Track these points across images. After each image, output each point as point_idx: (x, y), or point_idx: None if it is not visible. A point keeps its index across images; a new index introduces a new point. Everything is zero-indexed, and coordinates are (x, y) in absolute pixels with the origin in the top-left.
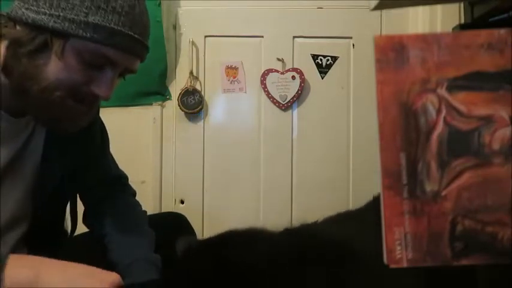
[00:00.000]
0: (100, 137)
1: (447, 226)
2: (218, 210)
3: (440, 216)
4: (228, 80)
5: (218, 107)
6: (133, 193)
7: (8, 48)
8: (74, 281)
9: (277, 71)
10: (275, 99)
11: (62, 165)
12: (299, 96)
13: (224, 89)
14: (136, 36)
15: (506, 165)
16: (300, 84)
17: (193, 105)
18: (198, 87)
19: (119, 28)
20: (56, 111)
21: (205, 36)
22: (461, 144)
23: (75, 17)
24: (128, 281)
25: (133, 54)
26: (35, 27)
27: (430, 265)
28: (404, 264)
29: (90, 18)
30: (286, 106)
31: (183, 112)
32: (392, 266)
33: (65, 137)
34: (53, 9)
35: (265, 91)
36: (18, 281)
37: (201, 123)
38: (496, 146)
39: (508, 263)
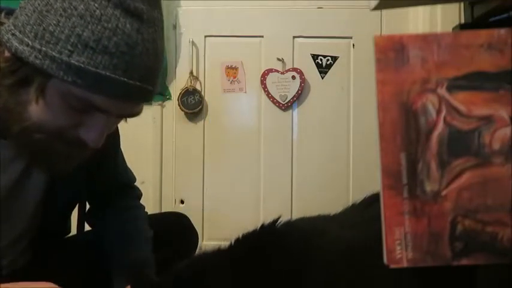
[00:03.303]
0: (112, 142)
1: (447, 226)
2: (218, 210)
3: (440, 216)
4: (228, 80)
5: (218, 107)
6: (139, 195)
7: None
8: None
9: (277, 71)
10: (275, 99)
11: (71, 180)
12: (299, 96)
13: (224, 89)
14: (132, 82)
15: (506, 165)
16: (300, 84)
17: (193, 105)
18: (198, 87)
19: (107, 73)
20: (39, 153)
21: (205, 36)
22: (461, 144)
23: (57, 56)
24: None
25: (129, 101)
26: (17, 59)
27: (430, 265)
28: (404, 264)
29: (74, 59)
30: (286, 106)
31: (183, 112)
32: (393, 266)
33: None
34: (36, 41)
35: (265, 91)
36: None
37: (201, 123)
38: (496, 146)
39: (508, 263)
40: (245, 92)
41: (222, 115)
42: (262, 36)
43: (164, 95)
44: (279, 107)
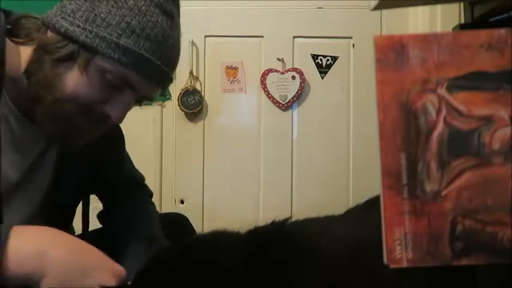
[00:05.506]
0: (116, 140)
1: (447, 226)
2: (218, 210)
3: (440, 216)
4: (228, 80)
5: (218, 107)
6: (150, 194)
7: (34, 52)
8: (83, 268)
9: (277, 71)
10: (275, 99)
11: (78, 171)
12: (299, 96)
13: (224, 89)
14: (163, 66)
15: (506, 165)
16: (300, 84)
17: (193, 105)
18: (198, 87)
19: (148, 55)
20: (63, 126)
21: (205, 36)
22: (461, 144)
23: (108, 36)
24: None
25: (156, 83)
26: (66, 38)
27: (430, 265)
28: (404, 264)
29: (122, 40)
30: (286, 106)
31: (183, 112)
32: (393, 266)
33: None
34: (87, 24)
35: (265, 91)
36: (21, 256)
37: (201, 123)
38: (496, 146)
39: (508, 263)
40: (245, 92)
41: (222, 115)
42: (262, 36)
43: (164, 95)
44: (279, 107)
